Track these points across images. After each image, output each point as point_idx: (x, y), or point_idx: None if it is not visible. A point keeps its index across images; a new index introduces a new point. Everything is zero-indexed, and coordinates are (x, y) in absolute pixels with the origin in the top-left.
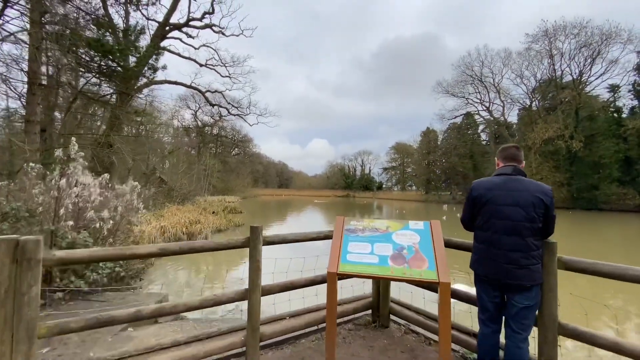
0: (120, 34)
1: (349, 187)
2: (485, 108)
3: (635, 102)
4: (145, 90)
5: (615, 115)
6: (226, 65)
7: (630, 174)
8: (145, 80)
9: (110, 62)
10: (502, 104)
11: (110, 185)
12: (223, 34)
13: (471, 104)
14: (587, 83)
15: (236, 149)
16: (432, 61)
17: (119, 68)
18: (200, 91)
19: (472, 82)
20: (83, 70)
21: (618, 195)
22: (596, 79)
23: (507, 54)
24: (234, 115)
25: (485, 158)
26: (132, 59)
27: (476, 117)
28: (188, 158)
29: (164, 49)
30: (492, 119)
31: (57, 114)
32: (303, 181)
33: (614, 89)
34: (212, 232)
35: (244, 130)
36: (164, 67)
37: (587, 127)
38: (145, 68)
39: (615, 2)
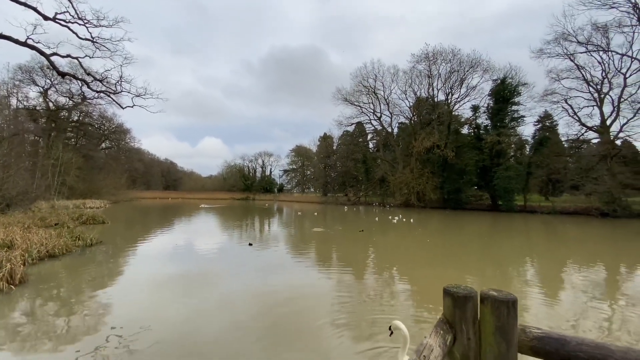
0: None
1: (249, 190)
2: (377, 118)
3: (489, 122)
4: None
5: (475, 130)
6: (87, 23)
7: (485, 180)
8: None
9: None
10: (390, 116)
11: None
12: None
13: (365, 113)
14: (456, 102)
15: (106, 141)
16: (318, 73)
17: None
18: (42, 53)
19: (367, 93)
20: None
21: (476, 197)
22: (462, 99)
23: (395, 70)
24: (97, 92)
25: (376, 163)
26: None
27: (367, 126)
28: (32, 150)
29: None
30: (381, 128)
31: None
32: (195, 182)
33: (475, 109)
34: (34, 261)
35: (118, 119)
36: None
37: (455, 139)
38: None
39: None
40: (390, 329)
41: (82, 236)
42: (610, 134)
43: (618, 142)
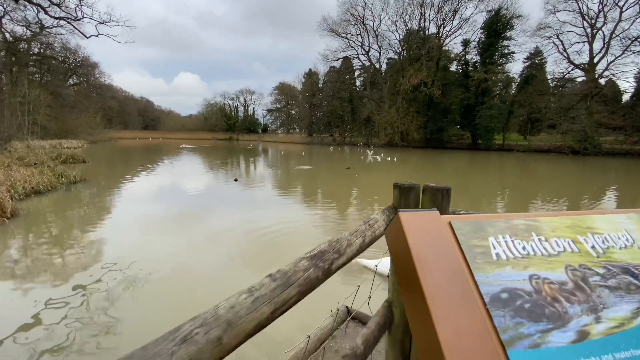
0: None
1: (232, 130)
2: (365, 52)
3: (478, 58)
4: None
5: (464, 67)
6: None
7: (468, 119)
8: None
9: None
10: (378, 50)
11: None
12: None
13: (352, 46)
14: (447, 36)
15: (74, 77)
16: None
17: None
18: None
19: (355, 23)
20: None
21: (457, 136)
22: (454, 32)
23: None
24: (56, 18)
25: (362, 103)
26: None
27: (354, 61)
28: None
29: None
30: (369, 64)
31: None
32: (175, 122)
33: (466, 43)
34: (20, 197)
35: (83, 51)
36: None
37: (443, 77)
38: None
39: None
40: None
41: (64, 174)
42: (596, 72)
43: (602, 81)
